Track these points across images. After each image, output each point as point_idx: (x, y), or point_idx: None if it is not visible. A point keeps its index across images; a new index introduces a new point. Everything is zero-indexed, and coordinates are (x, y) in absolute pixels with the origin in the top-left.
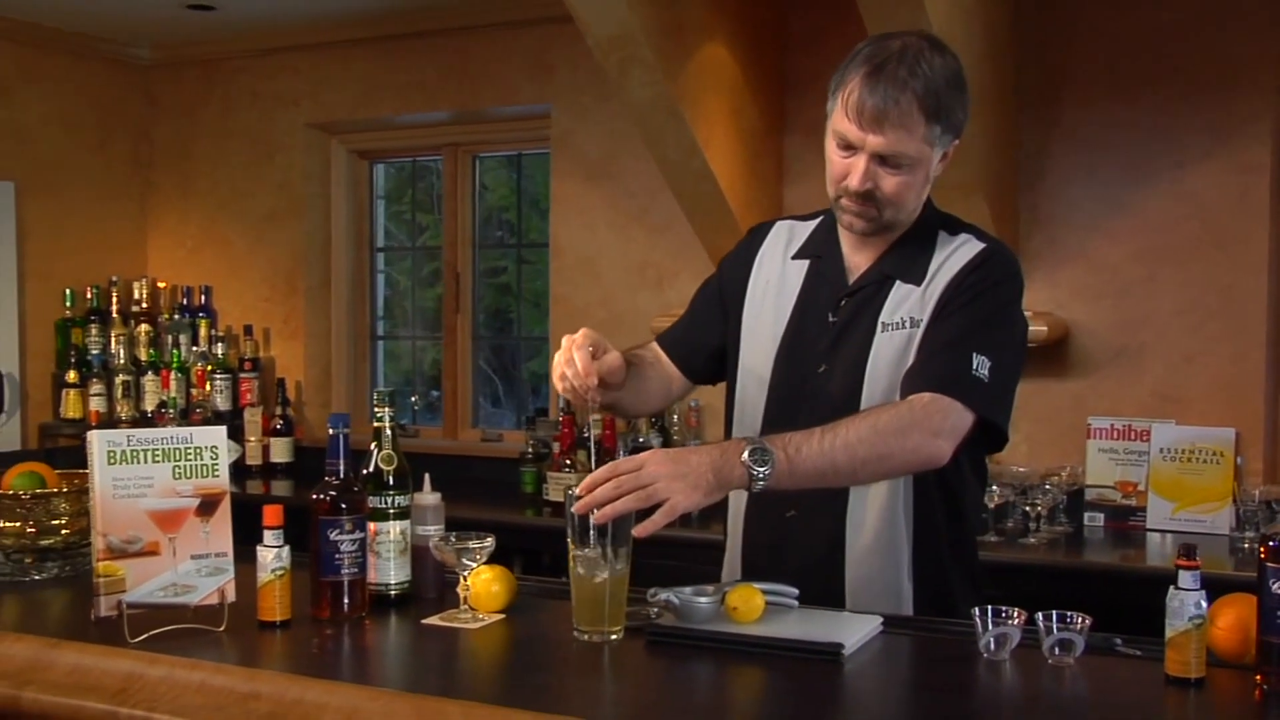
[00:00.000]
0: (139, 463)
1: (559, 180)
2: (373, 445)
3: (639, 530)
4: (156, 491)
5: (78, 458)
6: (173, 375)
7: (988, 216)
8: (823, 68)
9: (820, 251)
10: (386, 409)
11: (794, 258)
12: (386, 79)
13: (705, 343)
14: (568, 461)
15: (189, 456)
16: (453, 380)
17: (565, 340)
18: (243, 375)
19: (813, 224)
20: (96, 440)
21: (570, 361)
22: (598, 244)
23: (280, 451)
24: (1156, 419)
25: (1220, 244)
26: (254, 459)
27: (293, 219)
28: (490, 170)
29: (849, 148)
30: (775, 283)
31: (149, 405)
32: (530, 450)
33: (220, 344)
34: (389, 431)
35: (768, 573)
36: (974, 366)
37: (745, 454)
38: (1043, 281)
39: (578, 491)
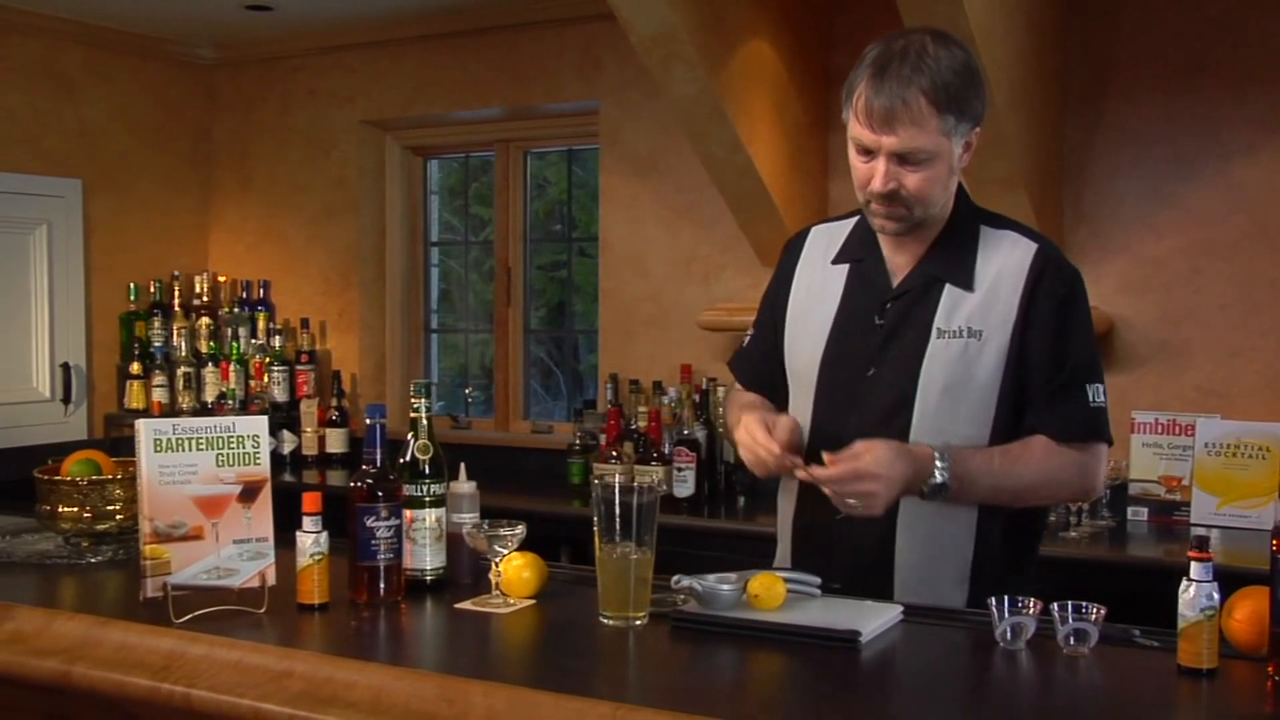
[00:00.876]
0: (184, 451)
1: (608, 176)
2: (409, 436)
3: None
4: (200, 478)
5: None
6: (232, 367)
7: (1030, 210)
8: None
9: (860, 254)
10: (423, 400)
11: (834, 262)
12: (439, 76)
13: (774, 365)
14: (614, 453)
15: (232, 445)
16: (504, 373)
17: (738, 433)
18: (299, 367)
19: (849, 224)
20: (143, 429)
21: (754, 445)
22: (646, 238)
23: (335, 442)
24: (1201, 414)
25: (1267, 237)
26: (310, 449)
27: (348, 214)
28: (553, 164)
29: (868, 152)
30: (817, 289)
31: (209, 396)
32: (578, 442)
33: (278, 337)
34: (425, 422)
35: (819, 575)
36: (1092, 398)
37: (927, 485)
38: (1087, 276)
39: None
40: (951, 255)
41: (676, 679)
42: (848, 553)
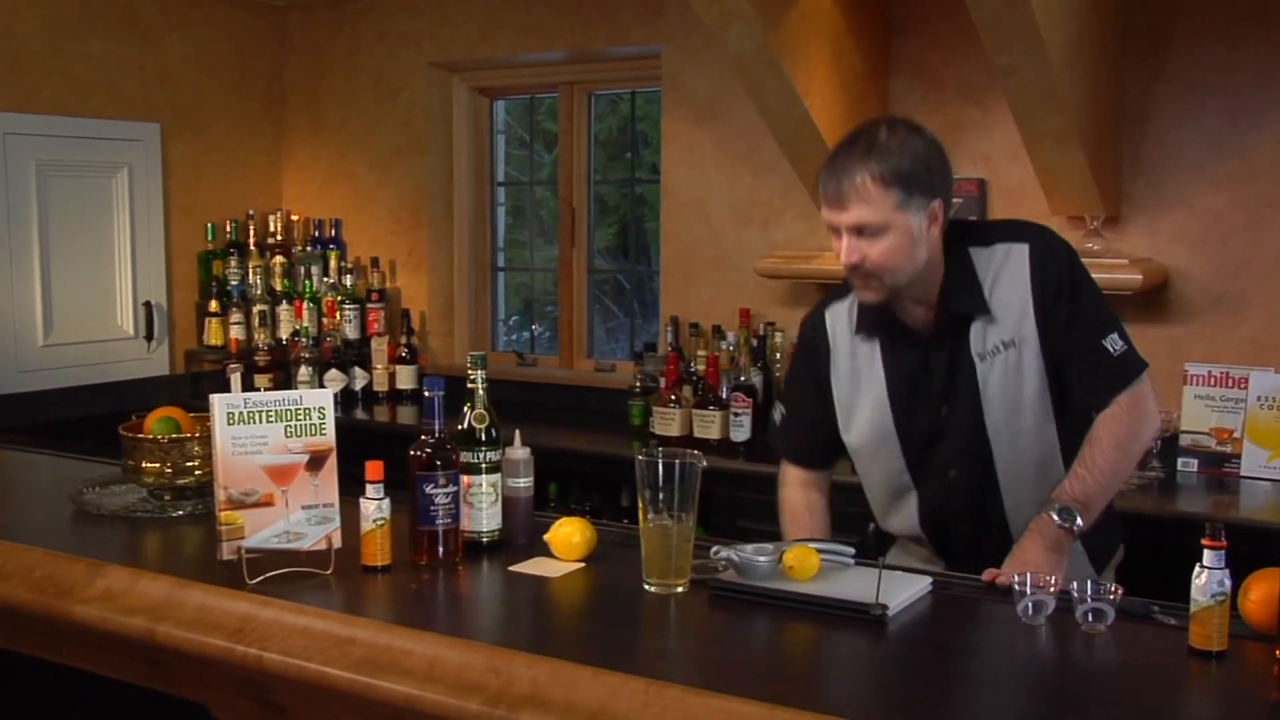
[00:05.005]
0: (255, 423)
1: (669, 120)
2: (466, 407)
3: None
4: (270, 449)
5: (219, 384)
6: (305, 305)
7: (1083, 163)
8: (928, 10)
9: (884, 326)
10: (479, 371)
11: (858, 334)
12: (504, 19)
13: (824, 434)
14: (673, 396)
15: (299, 417)
16: (568, 312)
17: None
18: (370, 305)
19: (852, 297)
20: (217, 404)
21: None
22: (706, 183)
23: (405, 378)
24: (1255, 367)
25: None
26: (380, 385)
27: (416, 154)
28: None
29: (836, 231)
30: (861, 360)
31: (284, 334)
32: (638, 384)
33: (349, 275)
34: (482, 392)
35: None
36: (1112, 350)
37: (1072, 533)
38: (1143, 228)
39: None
40: (961, 293)
41: (711, 651)
42: (968, 540)
